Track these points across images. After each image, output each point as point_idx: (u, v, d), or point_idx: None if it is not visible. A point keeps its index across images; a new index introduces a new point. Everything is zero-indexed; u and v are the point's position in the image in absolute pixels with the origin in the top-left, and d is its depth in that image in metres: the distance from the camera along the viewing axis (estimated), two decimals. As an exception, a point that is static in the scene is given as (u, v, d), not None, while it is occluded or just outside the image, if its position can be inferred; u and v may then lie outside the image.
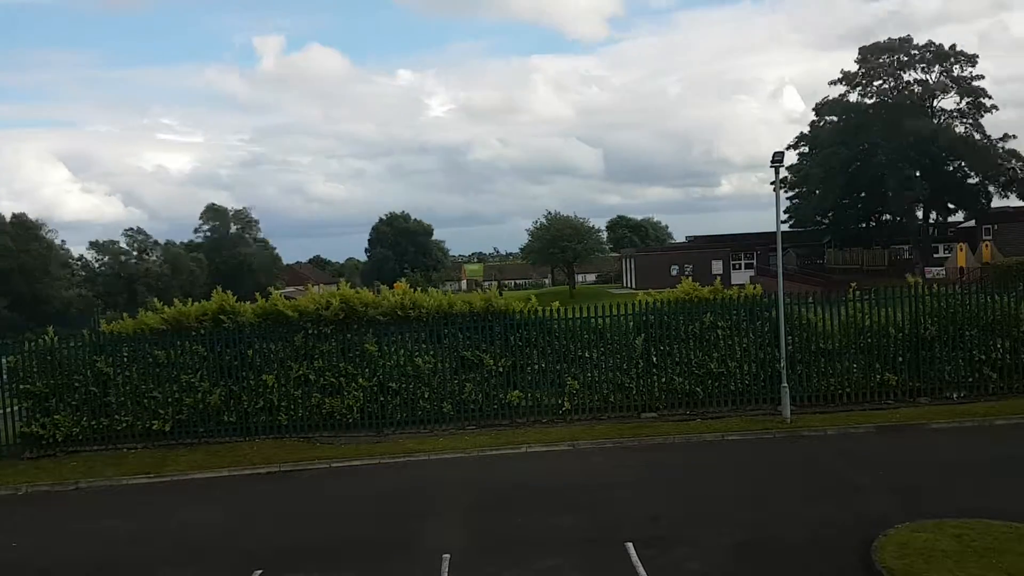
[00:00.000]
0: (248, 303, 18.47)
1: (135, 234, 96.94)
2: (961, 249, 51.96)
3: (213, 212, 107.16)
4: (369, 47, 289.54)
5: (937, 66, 60.71)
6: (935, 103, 61.71)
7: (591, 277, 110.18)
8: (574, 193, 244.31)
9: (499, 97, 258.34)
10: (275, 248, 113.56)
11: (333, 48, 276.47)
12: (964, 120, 61.13)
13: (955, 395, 17.92)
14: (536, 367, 17.86)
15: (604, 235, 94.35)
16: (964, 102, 60.72)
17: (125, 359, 17.60)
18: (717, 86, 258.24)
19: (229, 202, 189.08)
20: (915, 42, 61.44)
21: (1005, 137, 60.20)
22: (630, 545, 10.58)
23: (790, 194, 69.84)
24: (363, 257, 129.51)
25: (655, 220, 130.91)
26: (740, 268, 74.62)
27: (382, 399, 17.70)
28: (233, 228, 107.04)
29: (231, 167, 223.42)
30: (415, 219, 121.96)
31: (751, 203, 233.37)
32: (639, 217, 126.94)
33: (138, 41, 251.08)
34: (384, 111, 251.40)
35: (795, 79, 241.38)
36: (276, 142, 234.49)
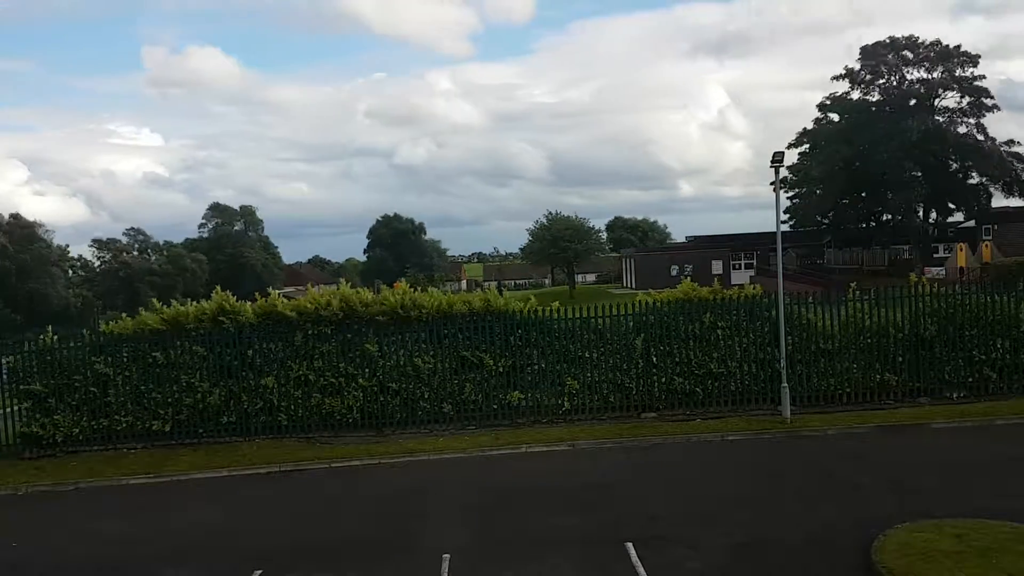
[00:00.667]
0: (248, 303, 18.47)
1: (136, 233, 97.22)
2: (961, 249, 51.95)
3: (217, 210, 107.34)
4: (266, 59, 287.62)
5: (940, 65, 60.64)
6: (937, 102, 61.65)
7: (591, 277, 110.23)
8: (537, 195, 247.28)
9: (416, 105, 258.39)
10: (277, 247, 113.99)
11: (251, 60, 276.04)
12: (966, 120, 61.13)
13: (955, 395, 17.92)
14: (536, 367, 17.86)
15: (604, 235, 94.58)
16: (966, 101, 60.69)
17: (125, 359, 17.59)
18: (632, 94, 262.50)
19: (187, 204, 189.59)
20: (920, 40, 61.38)
21: (1011, 142, 60.29)
22: (630, 545, 10.58)
23: (790, 194, 69.82)
24: (362, 257, 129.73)
25: (654, 220, 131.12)
26: (740, 268, 74.63)
27: (382, 399, 17.69)
28: (236, 226, 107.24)
29: (189, 170, 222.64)
30: (408, 219, 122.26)
31: (717, 205, 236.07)
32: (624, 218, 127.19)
33: (77, 49, 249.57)
34: (317, 118, 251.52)
35: (694, 85, 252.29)
36: (223, 146, 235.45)
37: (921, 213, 63.57)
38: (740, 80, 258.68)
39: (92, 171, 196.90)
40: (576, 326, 18.06)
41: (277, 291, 20.29)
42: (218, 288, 18.86)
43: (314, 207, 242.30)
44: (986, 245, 53.47)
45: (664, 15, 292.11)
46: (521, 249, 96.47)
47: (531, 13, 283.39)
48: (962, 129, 60.65)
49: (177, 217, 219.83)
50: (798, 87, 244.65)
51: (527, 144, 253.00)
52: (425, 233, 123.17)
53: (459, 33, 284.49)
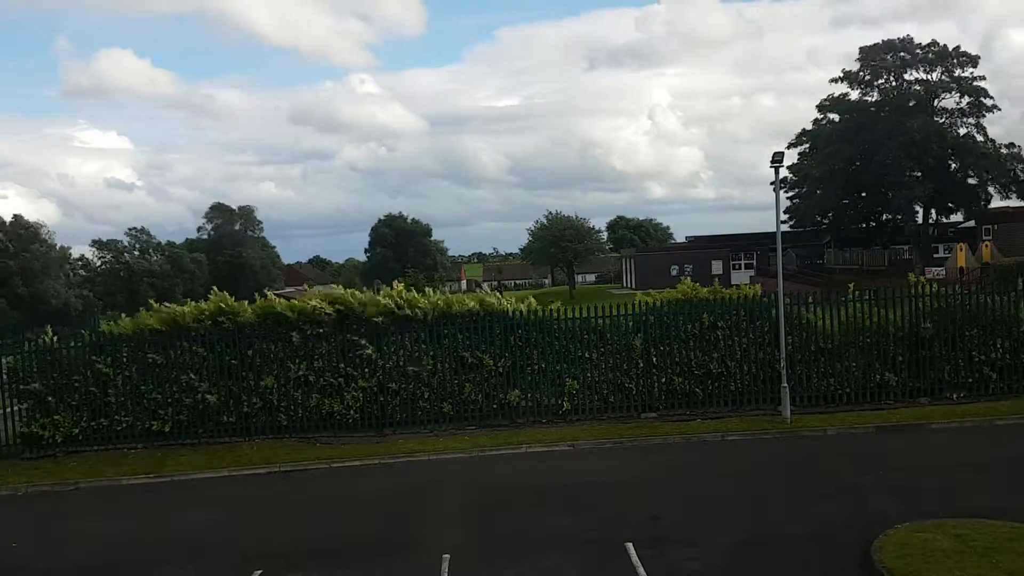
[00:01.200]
0: (247, 303, 18.48)
1: (137, 234, 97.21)
2: (961, 249, 51.83)
3: (217, 210, 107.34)
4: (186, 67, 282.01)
5: (939, 66, 60.69)
6: (937, 103, 61.67)
7: (591, 277, 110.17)
8: (513, 198, 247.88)
9: (351, 111, 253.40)
10: (275, 247, 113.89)
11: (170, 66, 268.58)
12: (965, 120, 61.19)
13: (955, 395, 17.92)
14: (536, 367, 17.85)
15: (603, 235, 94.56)
16: (965, 102, 60.72)
17: (125, 359, 17.59)
18: (569, 99, 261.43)
19: (153, 207, 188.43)
20: (917, 41, 61.46)
21: (1011, 145, 60.39)
22: (630, 545, 10.58)
23: (790, 194, 69.79)
24: (363, 257, 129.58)
25: (656, 220, 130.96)
26: (740, 268, 74.59)
27: (382, 399, 17.69)
28: (237, 226, 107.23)
29: (149, 173, 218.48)
30: (412, 219, 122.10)
31: (697, 207, 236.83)
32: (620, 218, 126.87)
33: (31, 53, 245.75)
34: (258, 124, 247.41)
35: (630, 89, 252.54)
36: (181, 150, 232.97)
37: (921, 213, 63.59)
38: (680, 86, 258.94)
39: (52, 175, 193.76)
40: (576, 326, 18.05)
41: (273, 292, 20.31)
42: (215, 288, 18.87)
43: (281, 210, 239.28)
44: (986, 245, 53.37)
45: (584, 21, 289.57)
46: (521, 249, 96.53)
47: (423, 23, 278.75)
48: (962, 130, 60.75)
49: (145, 219, 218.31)
50: (736, 93, 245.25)
51: (486, 147, 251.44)
52: (430, 235, 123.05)
53: (354, 44, 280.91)
